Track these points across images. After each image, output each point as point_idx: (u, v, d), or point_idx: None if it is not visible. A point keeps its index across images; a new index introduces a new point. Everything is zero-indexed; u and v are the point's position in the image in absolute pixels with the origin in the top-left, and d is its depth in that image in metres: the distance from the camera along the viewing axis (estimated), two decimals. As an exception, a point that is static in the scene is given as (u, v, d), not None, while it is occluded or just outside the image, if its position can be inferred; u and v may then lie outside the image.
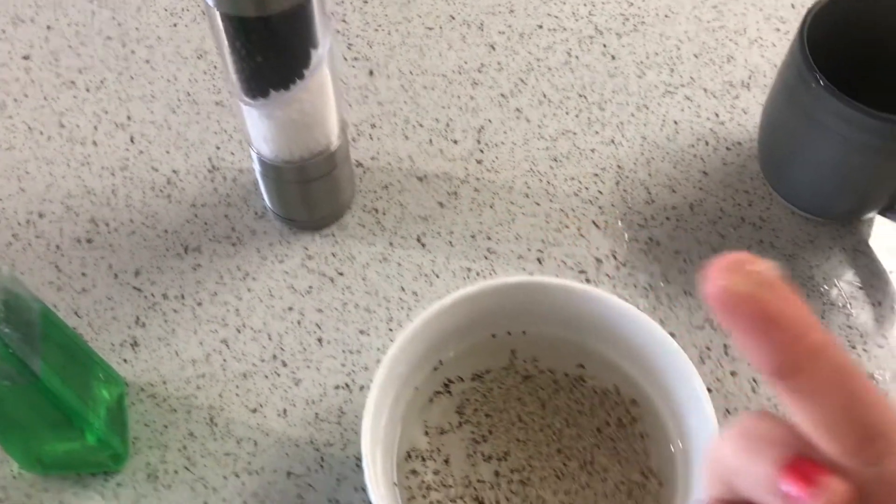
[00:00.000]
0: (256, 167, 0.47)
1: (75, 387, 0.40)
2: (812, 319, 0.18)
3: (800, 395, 0.18)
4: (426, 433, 0.40)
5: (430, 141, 0.54)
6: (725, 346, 0.46)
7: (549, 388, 0.41)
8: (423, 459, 0.39)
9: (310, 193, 0.48)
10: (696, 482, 0.36)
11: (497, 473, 0.39)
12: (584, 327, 0.41)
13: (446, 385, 0.41)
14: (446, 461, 0.40)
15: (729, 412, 0.44)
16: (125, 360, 0.46)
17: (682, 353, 0.37)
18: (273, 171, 0.46)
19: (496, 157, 0.54)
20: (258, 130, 0.44)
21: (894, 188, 0.46)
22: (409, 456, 0.39)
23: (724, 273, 0.17)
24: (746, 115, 0.55)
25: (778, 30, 0.60)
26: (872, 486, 0.18)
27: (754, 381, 0.45)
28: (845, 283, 0.49)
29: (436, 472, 0.39)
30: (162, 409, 0.45)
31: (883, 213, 0.48)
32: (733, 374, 0.46)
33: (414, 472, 0.39)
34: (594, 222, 0.51)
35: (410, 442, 0.40)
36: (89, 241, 0.51)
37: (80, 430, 0.40)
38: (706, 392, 0.36)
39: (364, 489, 0.42)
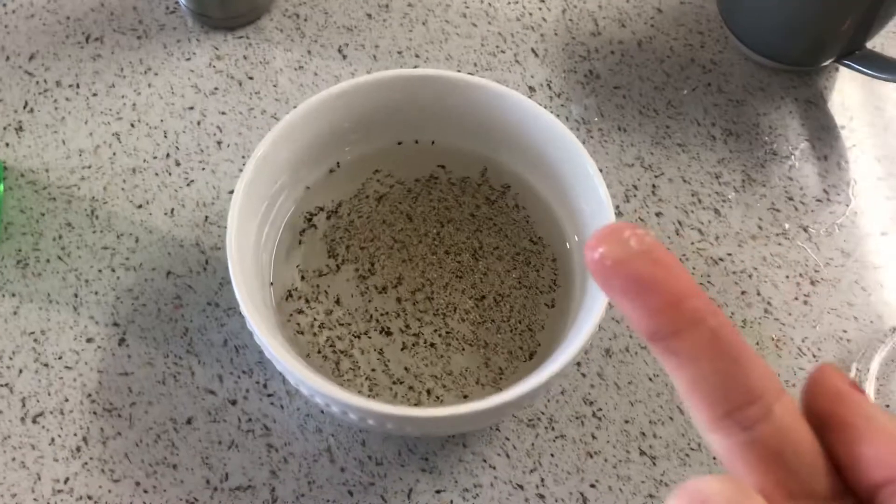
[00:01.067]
0: (163, -54, 0.43)
1: (-68, 150, 0.36)
2: (691, 285, 0.18)
3: (676, 358, 0.18)
4: (303, 278, 0.37)
5: (368, -49, 0.50)
6: (654, 186, 0.43)
7: (406, 199, 0.38)
8: (308, 301, 0.36)
9: (220, -19, 0.43)
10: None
11: (399, 300, 0.36)
12: (488, 131, 0.37)
13: (308, 219, 0.38)
14: (337, 301, 0.36)
15: (647, 252, 0.42)
16: (7, 144, 0.43)
17: (570, 135, 0.34)
18: (179, -51, 0.42)
19: (436, -27, 0.49)
20: None
21: (853, 28, 0.42)
22: (291, 296, 0.36)
23: (601, 240, 0.18)
24: (713, -46, 0.51)
25: None
26: (744, 449, 0.18)
27: (679, 223, 0.42)
28: (792, 134, 0.45)
29: (328, 313, 0.36)
30: (41, 196, 0.42)
31: (839, 60, 0.44)
32: (658, 214, 0.42)
33: (300, 311, 0.36)
34: (533, 50, 0.47)
35: (286, 284, 0.36)
36: (-17, 20, 0.47)
37: (-59, 201, 0.37)
38: (600, 176, 0.33)
39: (246, 294, 0.39)
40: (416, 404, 0.34)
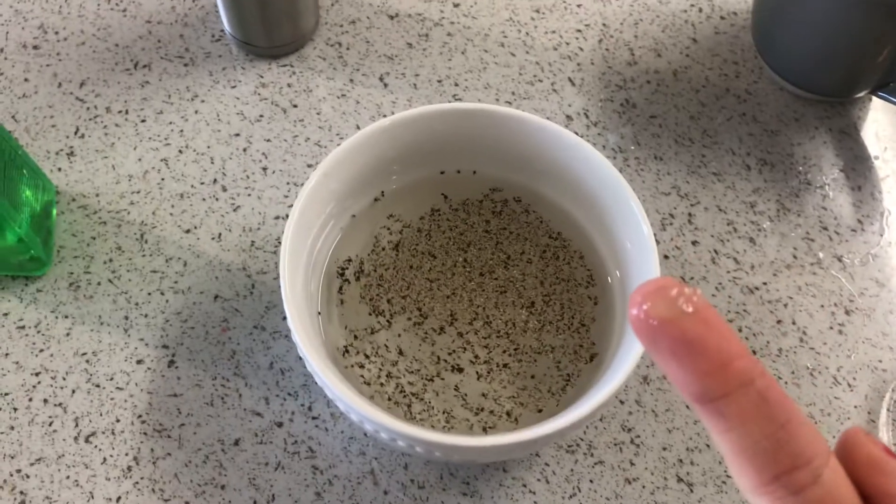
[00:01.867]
0: (212, -22, 0.44)
1: (-7, 177, 0.37)
2: (738, 346, 0.17)
3: (723, 421, 0.18)
4: (356, 337, 0.37)
5: (408, -19, 0.51)
6: (690, 214, 0.44)
7: (420, 239, 0.39)
8: (368, 356, 0.36)
9: (268, 12, 0.44)
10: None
11: (461, 334, 0.36)
12: (529, 162, 0.38)
13: (341, 274, 0.38)
14: (400, 352, 0.36)
15: (685, 280, 0.42)
16: (59, 169, 0.44)
17: (618, 176, 0.35)
18: (228, -19, 0.43)
19: (475, 3, 0.50)
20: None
21: (888, 60, 0.42)
22: (347, 352, 0.36)
23: (646, 297, 0.17)
24: (747, -16, 0.51)
25: None
26: None
27: (714, 251, 0.43)
28: (826, 164, 0.46)
29: (394, 363, 0.36)
30: (92, 220, 0.43)
31: (875, 91, 0.45)
32: (694, 243, 0.43)
33: (361, 365, 0.36)
34: (570, 79, 0.48)
35: (338, 342, 0.37)
36: (36, 47, 0.48)
37: (0, 226, 0.38)
38: (644, 215, 0.34)
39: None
40: (492, 428, 0.35)
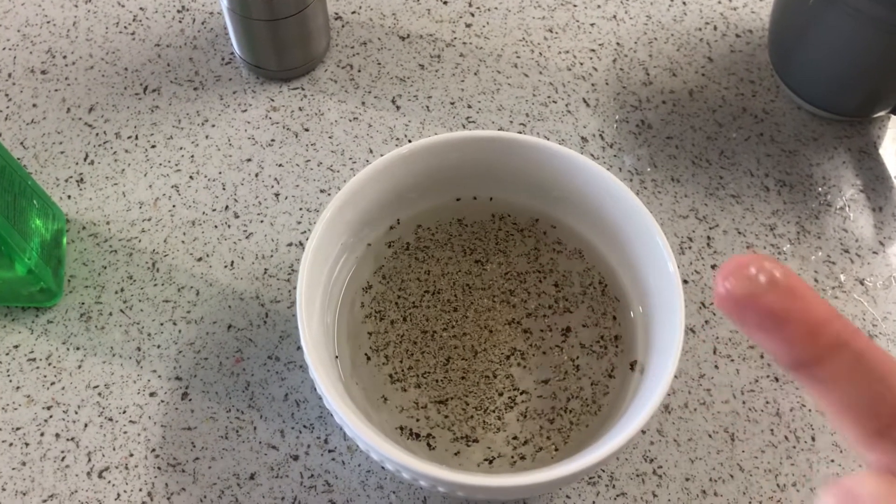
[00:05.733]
0: (224, 1, 0.43)
1: (3, 209, 0.37)
2: (828, 310, 0.18)
3: (822, 384, 0.18)
4: (397, 385, 0.36)
5: None
6: (708, 237, 0.43)
7: (437, 296, 0.38)
8: (408, 409, 0.36)
9: (278, 34, 0.44)
10: (657, 344, 0.34)
11: (509, 376, 0.36)
12: (548, 190, 0.37)
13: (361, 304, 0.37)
14: (443, 402, 0.36)
15: (704, 306, 0.42)
16: (69, 196, 0.44)
17: (644, 210, 0.34)
18: (241, 4, 0.42)
19: (487, 23, 0.50)
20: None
21: (911, 81, 0.42)
22: (393, 405, 0.36)
23: (729, 274, 0.18)
24: (762, 1, 0.51)
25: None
26: None
27: (735, 276, 0.42)
28: (846, 185, 0.45)
29: (444, 417, 0.35)
30: (102, 249, 0.42)
31: (895, 111, 0.44)
32: (714, 267, 0.43)
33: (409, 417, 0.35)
34: (584, 100, 0.47)
35: (377, 389, 0.36)
36: (44, 72, 0.47)
37: (9, 258, 0.37)
38: (669, 249, 0.33)
39: (306, 348, 0.40)
40: (522, 459, 0.34)
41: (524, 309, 0.37)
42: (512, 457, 0.34)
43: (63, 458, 0.37)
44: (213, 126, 0.46)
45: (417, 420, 0.35)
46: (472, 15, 0.50)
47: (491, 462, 0.34)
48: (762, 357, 0.40)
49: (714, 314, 0.41)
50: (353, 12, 0.50)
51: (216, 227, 0.43)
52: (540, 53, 0.49)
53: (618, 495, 0.37)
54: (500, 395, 0.36)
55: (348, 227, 0.36)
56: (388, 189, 0.37)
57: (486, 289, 0.38)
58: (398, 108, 0.47)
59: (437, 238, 0.39)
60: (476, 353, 0.37)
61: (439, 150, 0.36)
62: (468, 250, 0.39)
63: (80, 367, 0.39)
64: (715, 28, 0.50)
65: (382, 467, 0.37)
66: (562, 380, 0.36)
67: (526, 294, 0.38)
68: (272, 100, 0.47)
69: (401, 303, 0.37)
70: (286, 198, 0.44)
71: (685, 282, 0.42)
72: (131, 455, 0.37)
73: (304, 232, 0.43)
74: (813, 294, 0.18)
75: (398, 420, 0.35)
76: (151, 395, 0.39)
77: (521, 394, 0.36)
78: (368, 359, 0.36)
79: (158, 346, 0.40)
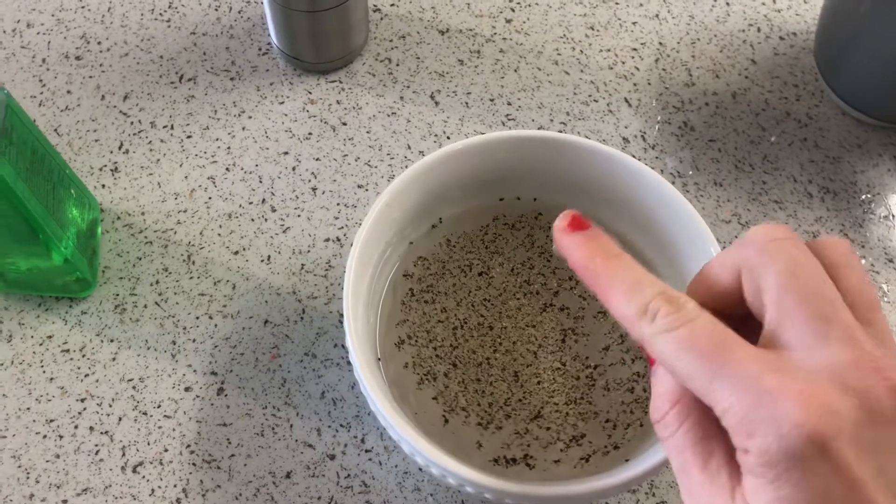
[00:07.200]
0: (264, -8, 0.43)
1: (42, 197, 0.36)
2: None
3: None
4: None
5: (458, -6, 0.50)
6: (751, 244, 0.43)
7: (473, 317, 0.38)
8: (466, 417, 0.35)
9: (319, 26, 0.43)
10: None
11: (549, 381, 0.36)
12: (593, 189, 0.37)
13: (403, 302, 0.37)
14: (507, 416, 0.35)
15: (746, 313, 0.41)
16: (103, 186, 0.43)
17: (697, 217, 0.33)
18: (281, -5, 0.42)
19: (528, 19, 0.49)
20: (268, -56, 0.39)
21: (964, 89, 0.41)
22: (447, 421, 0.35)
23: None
24: (807, 4, 0.50)
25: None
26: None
27: (778, 283, 0.42)
28: (891, 192, 0.44)
29: (498, 427, 0.35)
30: (137, 240, 0.42)
31: (945, 119, 0.43)
32: (756, 274, 0.42)
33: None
34: (626, 99, 0.47)
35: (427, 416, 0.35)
36: (78, 58, 0.47)
37: (46, 246, 0.37)
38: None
39: (343, 346, 0.39)
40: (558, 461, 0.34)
41: (541, 289, 0.37)
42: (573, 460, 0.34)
43: (97, 452, 0.37)
44: (250, 118, 0.45)
45: (509, 446, 0.34)
46: (513, 10, 0.49)
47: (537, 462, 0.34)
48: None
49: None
50: (392, 5, 0.49)
51: (253, 220, 0.42)
52: (581, 51, 0.48)
53: (657, 503, 0.37)
54: (546, 391, 0.35)
55: (393, 224, 0.35)
56: (434, 188, 0.36)
57: (526, 284, 0.37)
58: (437, 103, 0.46)
59: (479, 238, 0.38)
60: (515, 360, 0.36)
61: (484, 149, 0.36)
62: (511, 248, 0.38)
63: (114, 359, 0.39)
64: (759, 30, 0.49)
65: (427, 472, 0.36)
66: (606, 385, 0.35)
67: (520, 277, 0.37)
68: (309, 92, 0.46)
69: (440, 299, 0.37)
70: (323, 192, 0.43)
71: (727, 288, 0.41)
72: (166, 450, 0.37)
73: (342, 227, 0.42)
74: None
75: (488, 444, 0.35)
76: (187, 389, 0.38)
77: (570, 393, 0.35)
78: (420, 385, 0.35)
79: (194, 340, 0.39)
